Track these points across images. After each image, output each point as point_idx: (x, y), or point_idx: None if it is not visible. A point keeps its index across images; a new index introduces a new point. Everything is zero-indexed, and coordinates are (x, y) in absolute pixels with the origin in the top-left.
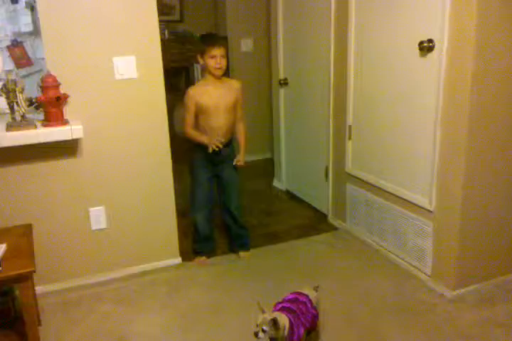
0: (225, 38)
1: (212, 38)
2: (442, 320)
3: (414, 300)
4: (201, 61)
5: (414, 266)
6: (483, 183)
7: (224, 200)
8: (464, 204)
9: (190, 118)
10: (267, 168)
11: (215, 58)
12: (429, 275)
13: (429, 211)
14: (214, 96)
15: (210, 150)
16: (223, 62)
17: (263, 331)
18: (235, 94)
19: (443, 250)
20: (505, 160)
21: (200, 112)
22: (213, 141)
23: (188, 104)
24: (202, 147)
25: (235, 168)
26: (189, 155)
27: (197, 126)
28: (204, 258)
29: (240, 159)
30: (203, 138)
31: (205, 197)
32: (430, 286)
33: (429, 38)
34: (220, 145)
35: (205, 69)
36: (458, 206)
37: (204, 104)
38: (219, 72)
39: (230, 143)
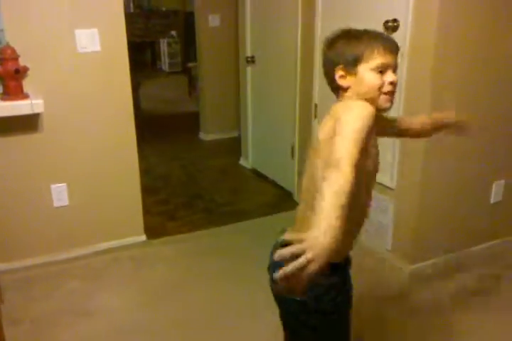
0: (192, 14)
1: (382, 35)
2: (397, 294)
3: (373, 274)
4: (342, 80)
5: (375, 243)
6: (442, 160)
7: None
8: (423, 181)
9: (355, 149)
10: (234, 147)
11: (384, 72)
12: (389, 250)
13: (390, 188)
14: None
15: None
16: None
17: None
18: None
19: (402, 226)
20: None
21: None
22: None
23: (361, 124)
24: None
25: None
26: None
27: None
28: None
29: None
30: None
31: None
32: (390, 261)
33: (393, 17)
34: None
35: (343, 93)
36: (417, 183)
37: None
38: (390, 105)
39: None
